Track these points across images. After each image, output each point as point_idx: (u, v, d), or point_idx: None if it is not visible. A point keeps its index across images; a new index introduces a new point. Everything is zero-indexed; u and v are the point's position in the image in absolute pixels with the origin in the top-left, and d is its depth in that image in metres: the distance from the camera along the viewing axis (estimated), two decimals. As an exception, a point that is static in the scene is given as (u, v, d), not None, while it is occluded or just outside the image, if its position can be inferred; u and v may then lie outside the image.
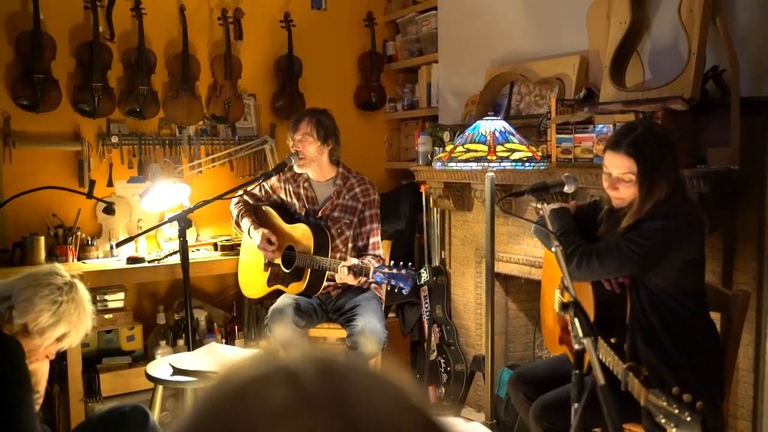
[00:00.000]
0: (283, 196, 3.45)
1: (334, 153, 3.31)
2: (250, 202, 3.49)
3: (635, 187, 2.13)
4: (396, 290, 2.86)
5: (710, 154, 2.55)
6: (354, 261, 3.02)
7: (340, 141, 3.35)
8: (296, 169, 3.29)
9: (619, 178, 2.16)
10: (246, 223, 3.39)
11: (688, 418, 1.52)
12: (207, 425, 0.47)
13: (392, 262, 2.91)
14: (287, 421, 0.45)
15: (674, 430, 1.56)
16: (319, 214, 3.31)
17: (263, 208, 3.49)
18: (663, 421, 1.60)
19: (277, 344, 0.52)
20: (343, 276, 2.99)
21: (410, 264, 2.86)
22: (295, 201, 3.39)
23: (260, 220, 3.46)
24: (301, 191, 3.37)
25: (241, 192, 3.48)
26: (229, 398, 0.48)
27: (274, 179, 3.43)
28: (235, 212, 3.48)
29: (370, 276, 2.93)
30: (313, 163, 3.26)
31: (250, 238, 3.37)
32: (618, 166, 2.16)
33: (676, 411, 1.55)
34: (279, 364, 0.49)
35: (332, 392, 0.47)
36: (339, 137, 3.34)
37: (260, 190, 3.48)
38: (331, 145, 3.27)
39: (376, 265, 2.97)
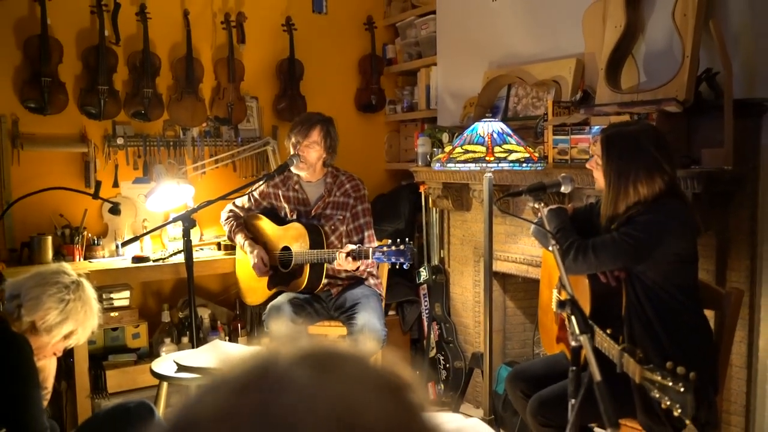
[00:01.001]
0: (273, 201, 3.50)
1: (329, 160, 3.40)
2: (240, 214, 3.54)
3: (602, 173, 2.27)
4: (397, 266, 2.93)
5: (704, 155, 2.59)
6: (352, 246, 3.08)
7: (337, 149, 3.44)
8: (293, 170, 3.35)
9: (595, 159, 2.32)
10: (240, 238, 3.45)
11: (682, 389, 1.56)
12: (169, 420, 0.51)
13: (389, 241, 2.98)
14: (212, 429, 0.47)
15: (668, 403, 1.60)
16: (312, 213, 3.36)
17: (254, 215, 3.53)
18: (657, 396, 1.64)
19: (273, 340, 0.54)
20: (342, 261, 3.04)
21: (407, 239, 2.93)
22: (285, 204, 3.44)
23: (252, 231, 3.50)
24: (291, 194, 3.42)
25: (229, 206, 3.52)
26: (195, 396, 0.51)
27: (263, 186, 3.49)
28: (226, 228, 3.53)
29: (370, 257, 2.98)
30: (310, 168, 3.35)
31: (245, 253, 3.43)
32: (598, 147, 2.30)
33: (670, 383, 1.59)
34: (244, 368, 0.51)
35: (263, 406, 0.48)
36: (337, 147, 3.43)
37: (249, 200, 3.53)
38: (330, 154, 3.37)
39: (375, 245, 3.03)
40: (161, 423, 2.27)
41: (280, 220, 3.44)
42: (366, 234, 3.36)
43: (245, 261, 3.48)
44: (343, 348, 0.55)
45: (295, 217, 3.41)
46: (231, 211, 3.54)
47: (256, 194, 3.51)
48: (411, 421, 0.51)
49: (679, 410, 1.58)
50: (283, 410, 0.47)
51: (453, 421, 2.29)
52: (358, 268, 3.12)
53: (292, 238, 3.31)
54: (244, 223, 3.53)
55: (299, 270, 3.29)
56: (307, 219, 3.37)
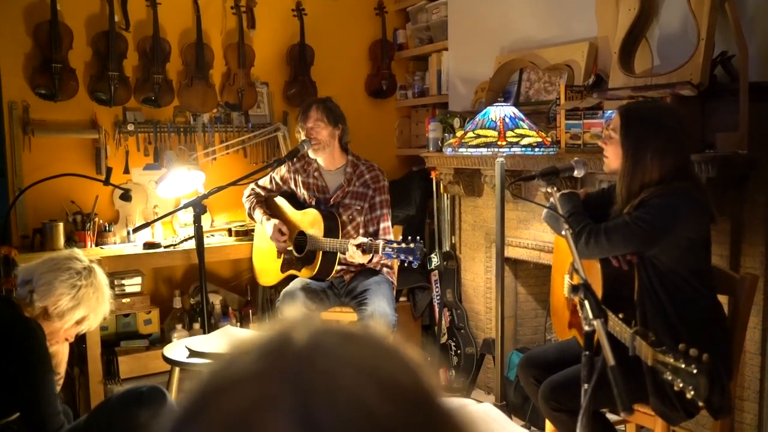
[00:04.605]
0: (293, 186, 3.50)
1: (345, 137, 3.38)
2: (261, 194, 3.55)
3: (618, 149, 2.21)
4: (406, 264, 2.93)
5: (718, 139, 2.56)
6: (363, 239, 3.06)
7: (347, 126, 3.42)
8: (311, 155, 3.34)
9: (608, 134, 2.27)
10: (258, 214, 3.47)
11: (694, 371, 1.55)
12: (196, 383, 0.51)
13: (401, 237, 2.97)
14: (248, 387, 0.47)
15: (681, 385, 1.59)
16: (331, 202, 3.36)
17: (274, 198, 3.55)
18: (670, 378, 1.63)
19: (285, 322, 0.56)
20: (353, 253, 3.04)
21: (418, 237, 2.92)
22: (304, 191, 3.44)
23: (271, 210, 3.52)
24: (311, 181, 3.42)
25: (252, 185, 3.54)
26: (220, 362, 0.51)
27: (284, 170, 3.49)
28: (247, 205, 3.55)
29: (380, 252, 2.98)
30: (327, 148, 3.32)
31: (263, 228, 3.44)
32: (613, 122, 2.26)
33: (683, 365, 1.58)
34: (269, 337, 0.52)
35: (299, 366, 0.48)
36: (346, 121, 3.41)
37: (271, 182, 3.54)
38: (341, 128, 3.35)
39: (386, 240, 3.02)
40: (173, 405, 2.29)
41: (299, 205, 3.45)
42: (382, 226, 3.34)
43: (262, 239, 3.49)
44: (355, 328, 0.56)
45: (314, 203, 3.41)
46: (252, 189, 3.56)
47: (277, 177, 3.52)
48: (431, 393, 0.52)
49: (692, 392, 1.57)
50: (317, 371, 0.48)
51: (464, 406, 2.29)
52: (370, 260, 3.10)
53: (308, 223, 3.32)
54: (264, 202, 3.55)
55: (312, 256, 3.30)
56: (326, 207, 3.36)
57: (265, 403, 0.46)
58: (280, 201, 3.52)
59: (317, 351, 0.50)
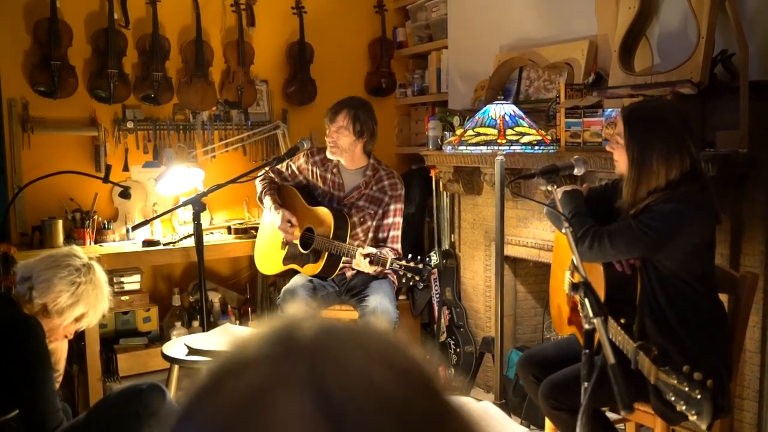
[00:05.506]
0: (309, 177, 3.48)
1: (368, 145, 3.35)
2: (276, 179, 3.52)
3: (624, 151, 2.21)
4: (411, 284, 2.90)
5: (718, 138, 2.56)
6: (371, 249, 3.04)
7: (376, 134, 3.38)
8: (328, 155, 3.32)
9: (615, 139, 2.26)
10: (268, 201, 3.41)
11: (698, 396, 1.54)
12: (208, 368, 0.51)
13: (410, 256, 2.94)
14: (261, 367, 0.48)
15: (684, 407, 1.58)
16: (345, 201, 3.34)
17: (288, 186, 3.52)
18: (672, 398, 1.62)
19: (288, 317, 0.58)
20: (360, 262, 3.02)
21: (427, 258, 2.89)
22: (320, 185, 3.42)
23: (283, 198, 3.49)
24: (329, 176, 3.39)
25: (267, 168, 3.50)
26: (231, 349, 0.52)
27: (302, 160, 3.46)
28: (259, 188, 3.50)
29: (387, 266, 2.96)
30: (345, 153, 3.30)
31: (271, 215, 3.41)
32: (617, 126, 2.27)
33: (686, 389, 1.57)
34: (278, 327, 0.52)
35: (312, 348, 0.49)
36: (375, 131, 3.36)
37: (287, 168, 3.50)
38: (366, 139, 3.31)
39: (393, 257, 2.99)
40: (172, 403, 2.28)
41: (311, 199, 3.42)
42: (392, 234, 3.32)
43: (269, 226, 3.45)
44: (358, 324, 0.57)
45: (327, 199, 3.39)
46: (267, 172, 3.51)
47: (294, 165, 3.49)
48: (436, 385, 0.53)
49: (695, 417, 1.56)
50: (330, 353, 0.49)
51: (464, 404, 2.28)
52: (374, 269, 3.08)
53: (318, 221, 3.29)
54: (276, 188, 3.51)
55: (317, 255, 3.28)
56: (338, 205, 3.35)
57: (279, 380, 0.47)
58: (294, 191, 3.48)
59: (329, 336, 0.51)
